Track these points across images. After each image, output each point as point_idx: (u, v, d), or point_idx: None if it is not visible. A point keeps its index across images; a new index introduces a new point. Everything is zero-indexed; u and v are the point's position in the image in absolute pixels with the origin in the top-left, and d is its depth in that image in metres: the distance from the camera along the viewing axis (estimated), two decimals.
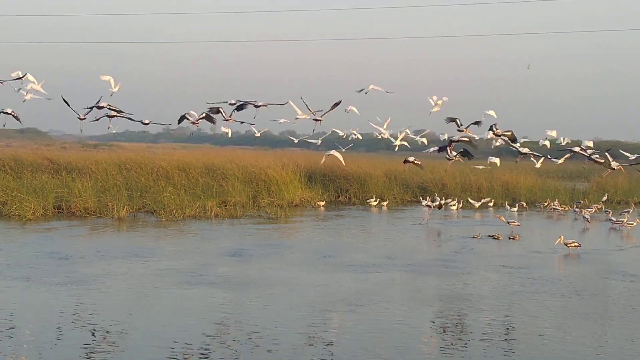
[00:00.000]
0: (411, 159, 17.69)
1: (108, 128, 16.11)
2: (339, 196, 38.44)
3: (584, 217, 31.05)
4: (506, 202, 36.63)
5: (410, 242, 23.95)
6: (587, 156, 15.53)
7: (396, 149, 20.65)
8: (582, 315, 13.84)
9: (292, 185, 35.93)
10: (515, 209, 35.20)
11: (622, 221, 28.93)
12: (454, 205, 34.85)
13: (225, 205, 31.01)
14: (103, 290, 15.22)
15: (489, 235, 24.99)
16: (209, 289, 15.46)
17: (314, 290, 15.60)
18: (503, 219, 26.90)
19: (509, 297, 15.27)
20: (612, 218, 30.75)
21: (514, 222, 26.96)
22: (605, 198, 37.02)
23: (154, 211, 29.29)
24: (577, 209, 34.54)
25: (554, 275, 17.94)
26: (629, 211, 32.20)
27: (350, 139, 21.76)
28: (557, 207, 35.35)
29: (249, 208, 31.66)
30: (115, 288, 15.47)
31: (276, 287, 15.76)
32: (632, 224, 28.54)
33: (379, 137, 19.58)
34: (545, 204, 36.56)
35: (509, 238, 24.65)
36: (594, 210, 33.57)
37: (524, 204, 37.20)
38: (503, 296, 15.38)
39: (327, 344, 11.62)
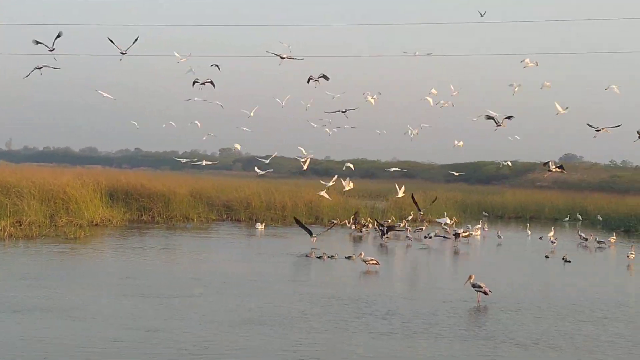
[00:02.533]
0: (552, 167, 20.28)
1: None
2: (142, 215, 37.52)
3: (383, 234, 32.16)
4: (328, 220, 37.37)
5: (217, 262, 23.73)
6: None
7: None
8: (379, 334, 14.21)
9: (93, 204, 34.65)
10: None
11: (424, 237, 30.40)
12: (261, 225, 35.02)
13: (20, 225, 29.34)
14: None
15: (329, 256, 24.97)
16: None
17: (112, 318, 14.99)
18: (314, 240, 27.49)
19: (311, 319, 15.41)
20: (409, 235, 32.14)
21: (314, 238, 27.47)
22: (410, 217, 38.41)
23: None
24: (377, 227, 35.72)
25: (356, 294, 18.31)
26: (422, 228, 33.94)
27: None
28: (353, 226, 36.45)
29: (46, 228, 30.11)
30: None
31: (72, 315, 15.00)
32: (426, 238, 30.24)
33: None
34: (363, 221, 37.50)
35: (329, 257, 24.86)
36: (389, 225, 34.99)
37: (335, 222, 38.00)
38: (307, 317, 15.50)
39: None
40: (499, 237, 33.39)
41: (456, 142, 26.57)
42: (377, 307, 16.65)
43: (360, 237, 34.04)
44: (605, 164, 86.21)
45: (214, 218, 39.05)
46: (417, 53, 25.46)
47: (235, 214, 39.68)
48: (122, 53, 19.66)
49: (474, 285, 17.64)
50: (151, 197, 38.16)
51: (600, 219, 43.52)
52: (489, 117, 21.16)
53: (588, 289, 20.97)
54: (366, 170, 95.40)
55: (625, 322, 16.07)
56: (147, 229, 33.82)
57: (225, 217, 39.55)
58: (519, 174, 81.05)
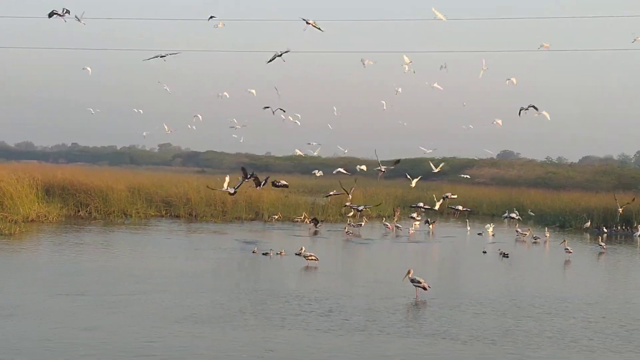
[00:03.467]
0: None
1: None
2: (79, 210, 36.80)
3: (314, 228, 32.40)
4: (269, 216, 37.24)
5: (155, 259, 23.38)
6: None
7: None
8: (319, 332, 14.16)
9: (28, 200, 33.86)
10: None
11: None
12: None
13: None
14: None
15: (264, 253, 24.70)
16: None
17: (46, 316, 14.61)
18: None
19: (250, 316, 15.28)
20: (350, 231, 32.24)
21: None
22: (351, 213, 38.42)
23: None
24: (312, 222, 36.08)
25: (295, 291, 18.21)
26: (361, 224, 34.10)
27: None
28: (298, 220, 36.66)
29: None
30: None
31: (3, 313, 14.59)
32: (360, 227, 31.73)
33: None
34: (302, 217, 37.49)
35: (277, 254, 24.60)
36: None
37: (276, 217, 37.87)
38: (245, 315, 15.37)
39: None
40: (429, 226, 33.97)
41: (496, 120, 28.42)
42: (317, 304, 16.59)
43: (304, 232, 33.97)
44: (541, 161, 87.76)
45: (153, 214, 38.52)
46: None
47: (174, 209, 39.18)
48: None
49: (412, 281, 17.70)
50: (88, 193, 37.46)
51: (532, 214, 44.19)
52: (527, 108, 23.03)
53: (527, 284, 21.26)
54: (306, 166, 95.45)
55: (565, 317, 16.27)
56: (84, 225, 33.18)
57: (164, 212, 39.04)
58: (457, 170, 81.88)
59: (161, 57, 22.24)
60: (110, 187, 38.10)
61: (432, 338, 13.89)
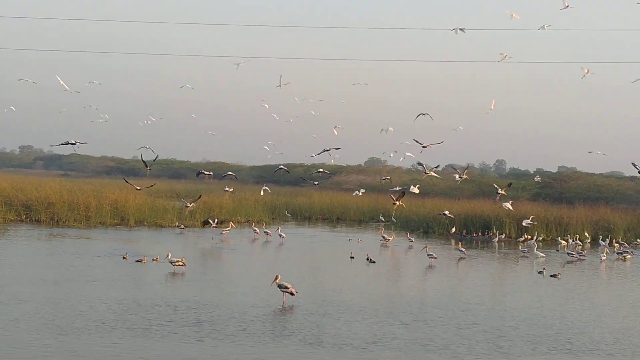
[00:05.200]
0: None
1: None
2: None
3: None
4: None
5: (13, 266, 22.35)
6: None
7: None
8: (188, 341, 13.91)
9: None
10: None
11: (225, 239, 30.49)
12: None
13: None
14: None
15: (138, 260, 24.05)
16: None
17: None
18: None
19: (111, 326, 14.85)
20: (223, 233, 32.39)
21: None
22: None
23: None
24: (180, 226, 36.00)
25: (162, 299, 17.83)
26: (229, 230, 33.98)
27: None
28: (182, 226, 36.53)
29: None
30: None
31: None
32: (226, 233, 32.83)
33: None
34: (177, 224, 37.22)
35: (152, 260, 24.04)
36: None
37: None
38: (106, 324, 14.91)
39: None
40: (271, 234, 34.32)
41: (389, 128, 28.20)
42: (184, 312, 16.28)
43: (172, 238, 33.40)
44: (406, 168, 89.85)
45: (12, 218, 36.92)
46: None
47: (35, 214, 37.71)
48: None
49: (280, 286, 17.68)
50: None
51: (395, 220, 45.12)
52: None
53: (397, 290, 21.61)
54: (175, 171, 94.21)
55: (436, 323, 16.45)
56: None
57: (24, 217, 37.51)
58: (325, 176, 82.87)
59: None
60: None
61: (302, 345, 13.86)
